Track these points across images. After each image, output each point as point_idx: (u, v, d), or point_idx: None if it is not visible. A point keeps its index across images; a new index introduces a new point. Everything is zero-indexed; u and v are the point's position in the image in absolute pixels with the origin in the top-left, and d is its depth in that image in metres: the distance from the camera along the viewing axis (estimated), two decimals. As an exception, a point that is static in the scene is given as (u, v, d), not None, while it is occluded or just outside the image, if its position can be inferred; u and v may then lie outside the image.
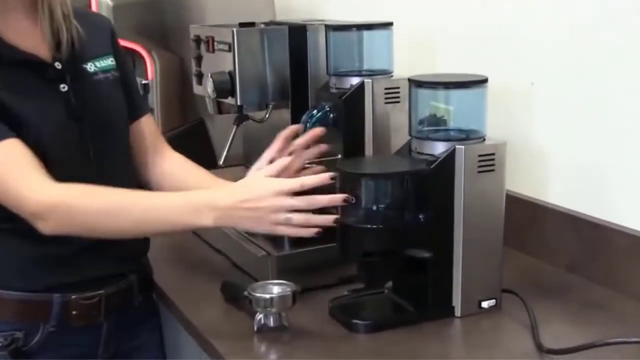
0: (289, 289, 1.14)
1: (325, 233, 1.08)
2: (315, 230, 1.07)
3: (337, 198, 1.08)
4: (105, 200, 1.09)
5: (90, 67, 1.19)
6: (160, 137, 1.35)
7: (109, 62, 1.22)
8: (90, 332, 1.21)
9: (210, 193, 1.12)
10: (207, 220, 1.07)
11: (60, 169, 1.12)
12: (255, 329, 1.14)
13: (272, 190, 1.06)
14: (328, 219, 1.08)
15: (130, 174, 1.27)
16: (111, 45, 1.25)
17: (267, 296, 1.13)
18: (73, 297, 1.17)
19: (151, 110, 1.37)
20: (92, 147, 1.17)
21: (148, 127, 1.31)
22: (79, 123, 1.15)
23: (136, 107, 1.29)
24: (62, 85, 1.15)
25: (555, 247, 1.40)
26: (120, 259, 1.21)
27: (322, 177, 1.09)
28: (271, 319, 1.14)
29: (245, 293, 1.14)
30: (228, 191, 1.10)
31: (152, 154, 1.31)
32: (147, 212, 1.09)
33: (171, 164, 1.32)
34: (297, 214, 1.07)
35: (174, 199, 1.11)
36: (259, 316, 1.14)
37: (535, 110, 1.44)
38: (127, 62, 1.32)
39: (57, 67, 1.15)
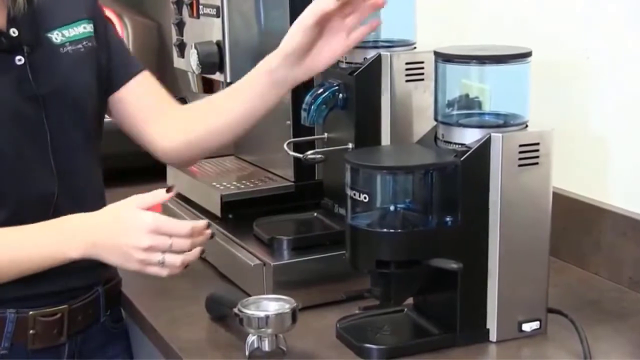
0: (287, 306, 1.16)
1: (333, 239, 1.10)
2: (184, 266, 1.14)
3: (204, 239, 1.15)
4: None
5: (57, 37, 1.22)
6: (166, 95, 1.36)
7: (80, 29, 1.24)
8: (49, 356, 1.23)
9: (79, 219, 1.16)
10: (73, 251, 1.14)
11: (7, 159, 1.14)
12: (247, 353, 1.16)
13: (150, 228, 1.11)
14: (197, 254, 1.15)
15: (96, 165, 1.29)
16: (87, 9, 1.27)
17: (262, 314, 1.15)
18: (30, 313, 1.19)
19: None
20: (49, 133, 1.19)
21: (142, 89, 1.32)
22: (35, 103, 1.18)
23: (119, 74, 1.31)
24: (17, 57, 1.17)
25: (616, 258, 1.40)
26: (87, 268, 1.23)
27: (207, 235, 1.16)
28: (266, 341, 1.15)
29: (235, 310, 1.16)
30: (99, 219, 1.15)
31: (155, 120, 1.32)
32: (13, 251, 1.14)
33: (176, 127, 1.32)
34: (171, 255, 1.12)
35: (38, 230, 1.15)
36: (252, 338, 1.16)
37: (591, 91, 1.45)
38: (109, 26, 1.32)
39: (13, 34, 1.17)
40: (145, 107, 1.33)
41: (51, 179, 1.20)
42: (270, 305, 1.17)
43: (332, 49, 1.24)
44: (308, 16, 1.20)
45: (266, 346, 1.15)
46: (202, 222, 1.15)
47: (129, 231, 1.11)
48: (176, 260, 1.12)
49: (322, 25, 1.21)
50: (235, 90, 1.30)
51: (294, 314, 1.15)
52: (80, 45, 1.24)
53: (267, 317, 1.14)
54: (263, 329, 1.14)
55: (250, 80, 1.28)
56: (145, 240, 1.10)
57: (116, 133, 1.34)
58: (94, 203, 1.22)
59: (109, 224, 1.13)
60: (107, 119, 1.34)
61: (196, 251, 1.15)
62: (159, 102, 1.34)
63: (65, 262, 1.15)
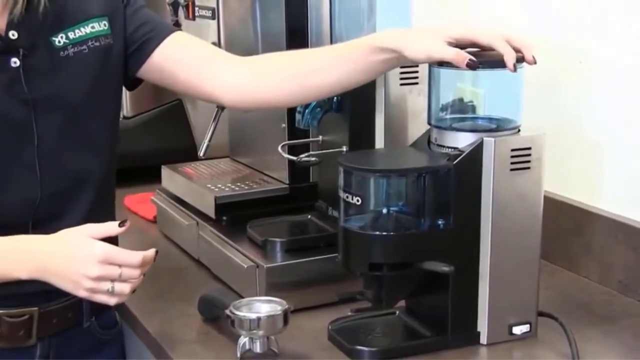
0: (279, 308, 1.16)
1: (326, 241, 1.10)
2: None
3: (150, 254, 1.14)
4: None
5: (60, 40, 1.20)
6: (210, 48, 1.32)
7: (88, 29, 1.22)
8: (19, 358, 1.22)
9: (30, 242, 1.15)
10: (20, 272, 1.13)
11: None
12: (239, 355, 1.16)
13: (99, 258, 1.10)
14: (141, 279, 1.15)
15: (95, 170, 1.26)
16: (101, 5, 1.24)
17: (253, 316, 1.15)
18: None
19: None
20: (37, 138, 1.18)
21: (179, 46, 1.28)
22: (25, 106, 1.17)
23: (150, 41, 1.27)
24: (13, 60, 1.16)
25: (605, 262, 1.41)
26: None
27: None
28: (258, 343, 1.16)
29: (227, 312, 1.17)
30: (49, 245, 1.14)
31: (212, 66, 1.28)
32: None
33: (255, 75, 1.27)
34: (120, 284, 1.12)
35: None
36: (243, 340, 1.16)
37: (583, 96, 1.46)
38: (132, 6, 1.28)
39: (12, 37, 1.17)
40: (192, 59, 1.29)
41: (34, 184, 1.19)
42: (262, 307, 1.17)
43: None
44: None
45: (258, 348, 1.16)
46: (151, 252, 1.14)
47: (79, 260, 1.11)
48: (125, 288, 1.12)
49: None
50: (334, 59, 1.23)
51: (285, 315, 1.16)
52: (84, 47, 1.21)
53: (258, 318, 1.15)
54: (255, 331, 1.15)
55: (351, 52, 1.22)
56: (94, 270, 1.10)
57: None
58: (78, 214, 1.21)
59: (59, 251, 1.13)
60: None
61: (142, 277, 1.15)
62: (208, 52, 1.31)
63: (12, 280, 1.14)
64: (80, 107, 1.22)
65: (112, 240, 1.25)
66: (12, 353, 1.22)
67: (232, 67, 1.29)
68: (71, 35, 1.21)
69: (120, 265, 1.11)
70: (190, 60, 1.29)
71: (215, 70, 1.29)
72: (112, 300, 1.13)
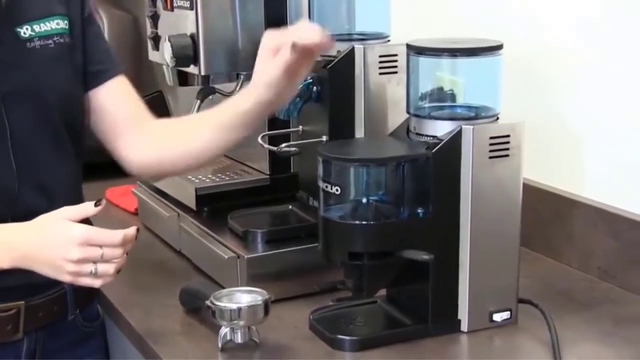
0: (260, 298, 1.16)
1: (307, 232, 1.10)
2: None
3: (131, 232, 1.13)
4: None
5: (25, 31, 1.19)
6: (141, 106, 1.33)
7: (53, 25, 1.22)
8: (6, 352, 1.22)
9: (8, 231, 1.14)
10: (1, 262, 1.12)
11: None
12: (220, 345, 1.16)
13: (79, 240, 1.10)
14: (124, 260, 1.13)
15: (67, 162, 1.26)
16: (63, 4, 1.24)
17: (234, 306, 1.15)
18: None
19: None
20: (9, 130, 1.17)
21: (116, 94, 1.30)
22: None
23: (95, 75, 1.29)
24: None
25: (586, 249, 1.42)
26: None
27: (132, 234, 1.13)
28: (239, 333, 1.16)
29: (208, 303, 1.17)
30: (27, 233, 1.13)
31: (127, 130, 1.30)
32: None
33: (155, 143, 1.30)
34: (103, 264, 1.11)
35: None
36: (224, 330, 1.16)
37: (562, 83, 1.46)
38: (92, 24, 1.30)
39: None
40: (119, 114, 1.30)
41: (11, 176, 1.18)
42: (243, 297, 1.17)
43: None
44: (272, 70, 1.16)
45: (239, 338, 1.16)
46: (132, 230, 1.13)
47: (58, 244, 1.10)
48: (109, 269, 1.11)
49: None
50: (207, 118, 1.28)
51: (266, 306, 1.16)
52: (50, 41, 1.21)
53: (239, 309, 1.15)
54: (235, 321, 1.15)
55: (220, 112, 1.25)
56: (75, 253, 1.09)
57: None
58: (66, 199, 1.20)
59: (38, 237, 1.12)
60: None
61: (125, 256, 1.13)
62: (133, 112, 1.32)
63: None
64: (49, 99, 1.21)
65: (86, 222, 1.25)
66: (0, 350, 1.21)
67: (142, 138, 1.30)
68: (36, 28, 1.20)
69: (101, 246, 1.10)
70: (118, 113, 1.30)
71: (129, 136, 1.30)
72: (96, 282, 1.12)
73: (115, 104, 1.30)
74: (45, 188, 1.21)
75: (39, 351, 1.25)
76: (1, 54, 1.17)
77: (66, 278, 1.11)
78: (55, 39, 1.22)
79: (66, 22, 1.24)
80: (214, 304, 1.16)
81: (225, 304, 1.16)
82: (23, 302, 1.21)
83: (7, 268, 1.13)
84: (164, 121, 1.35)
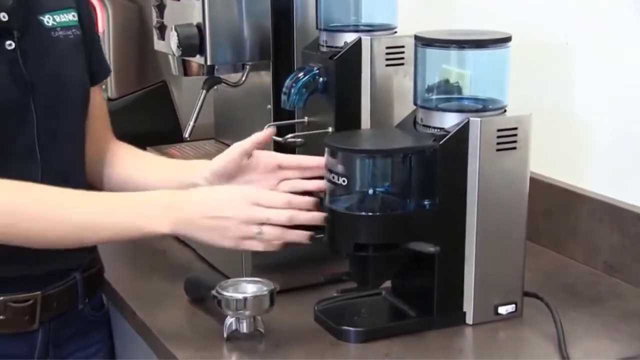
0: (265, 289, 1.17)
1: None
2: (284, 244, 1.13)
3: (318, 216, 1.14)
4: (37, 203, 1.11)
5: (48, 20, 1.20)
6: (108, 121, 1.36)
7: (70, 16, 1.23)
8: (21, 343, 1.22)
9: (169, 195, 1.14)
10: (162, 227, 1.10)
11: None
12: (225, 335, 1.17)
13: (248, 199, 1.10)
14: (304, 236, 1.13)
15: (82, 158, 1.28)
16: (78, 6, 1.26)
17: (240, 296, 1.15)
18: (1, 298, 1.19)
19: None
20: (36, 119, 1.18)
21: (96, 101, 1.31)
22: (24, 88, 1.16)
23: (94, 71, 1.30)
24: (7, 42, 1.16)
25: (591, 243, 1.42)
26: (64, 253, 1.22)
27: (316, 217, 1.13)
28: (244, 323, 1.16)
29: (214, 292, 1.17)
30: (193, 195, 1.13)
31: (99, 142, 1.32)
32: (92, 215, 1.12)
33: (125, 161, 1.32)
34: (269, 227, 1.10)
35: (123, 200, 1.14)
36: (230, 320, 1.16)
37: (569, 76, 1.46)
38: (93, 21, 1.32)
39: (3, 19, 1.16)
40: (94, 120, 1.31)
41: (35, 166, 1.18)
42: (249, 287, 1.17)
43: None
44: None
45: (244, 328, 1.16)
46: (302, 198, 1.12)
47: (227, 204, 1.09)
48: (274, 232, 1.10)
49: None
50: (159, 172, 1.30)
51: (272, 296, 1.16)
52: (70, 32, 1.23)
53: (245, 299, 1.15)
54: (241, 311, 1.15)
55: (172, 177, 1.27)
56: (244, 212, 1.08)
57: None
58: (81, 188, 1.21)
59: (204, 200, 1.11)
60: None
61: (304, 233, 1.12)
62: (103, 122, 1.34)
63: (152, 236, 1.12)
64: (72, 89, 1.23)
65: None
66: (15, 340, 1.21)
67: (101, 154, 1.32)
68: (57, 18, 1.21)
69: (267, 208, 1.09)
70: (94, 120, 1.31)
71: (92, 146, 1.30)
72: (260, 246, 1.11)
73: (92, 108, 1.30)
74: (65, 178, 1.21)
75: (51, 341, 1.25)
76: (29, 42, 1.17)
77: (230, 242, 1.10)
78: (73, 30, 1.24)
79: (76, 15, 1.25)
80: (219, 293, 1.16)
81: (231, 294, 1.16)
82: (39, 292, 1.21)
83: (168, 233, 1.11)
84: (127, 152, 1.35)
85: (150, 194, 1.15)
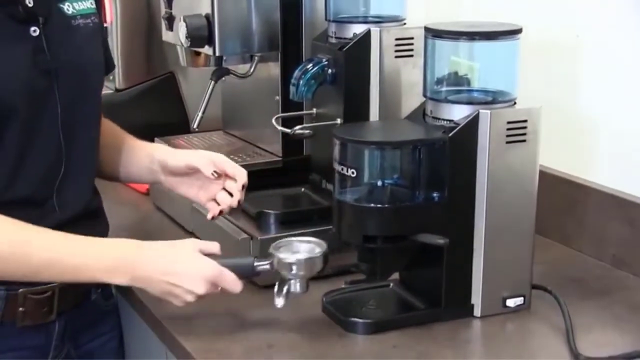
0: (318, 250, 1.16)
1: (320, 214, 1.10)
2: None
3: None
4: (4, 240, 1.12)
5: (68, 8, 1.20)
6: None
7: (88, 4, 1.24)
8: (39, 334, 1.23)
9: (131, 252, 1.16)
10: (121, 280, 1.15)
11: (18, 130, 1.13)
12: (281, 298, 1.15)
13: (201, 275, 1.13)
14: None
15: (98, 144, 1.28)
16: None
17: (295, 258, 1.14)
18: (20, 290, 1.19)
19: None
20: (59, 106, 1.18)
21: None
22: (47, 75, 1.16)
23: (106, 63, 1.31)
24: (32, 28, 1.16)
25: (600, 236, 1.42)
26: None
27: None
28: (298, 284, 1.15)
29: (271, 251, 1.16)
30: (152, 257, 1.16)
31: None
32: (51, 260, 1.14)
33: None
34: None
35: (87, 250, 1.15)
36: (287, 283, 1.15)
37: (579, 69, 1.46)
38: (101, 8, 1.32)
39: (29, 5, 1.16)
40: None
41: (59, 153, 1.19)
42: (302, 247, 1.17)
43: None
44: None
45: (298, 288, 1.15)
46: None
47: (187, 276, 1.13)
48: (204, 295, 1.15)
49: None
50: (129, 157, 1.37)
51: (325, 257, 1.15)
52: (89, 20, 1.23)
53: (301, 260, 1.14)
54: (295, 272, 1.14)
55: (140, 162, 1.36)
56: (202, 288, 1.13)
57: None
58: (88, 178, 1.23)
59: (168, 262, 1.15)
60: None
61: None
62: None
63: (105, 282, 1.18)
64: (92, 77, 1.24)
65: (104, 223, 1.29)
66: (34, 332, 1.22)
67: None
68: (77, 6, 1.22)
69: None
70: None
71: None
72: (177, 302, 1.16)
73: None
74: (79, 168, 1.22)
75: (67, 332, 1.26)
76: (51, 30, 1.17)
77: (175, 302, 1.15)
78: (92, 18, 1.24)
79: (94, 2, 1.25)
80: (273, 255, 1.15)
81: (284, 254, 1.15)
82: (57, 284, 1.21)
83: (125, 285, 1.16)
84: (111, 134, 1.37)
85: (113, 245, 1.17)
